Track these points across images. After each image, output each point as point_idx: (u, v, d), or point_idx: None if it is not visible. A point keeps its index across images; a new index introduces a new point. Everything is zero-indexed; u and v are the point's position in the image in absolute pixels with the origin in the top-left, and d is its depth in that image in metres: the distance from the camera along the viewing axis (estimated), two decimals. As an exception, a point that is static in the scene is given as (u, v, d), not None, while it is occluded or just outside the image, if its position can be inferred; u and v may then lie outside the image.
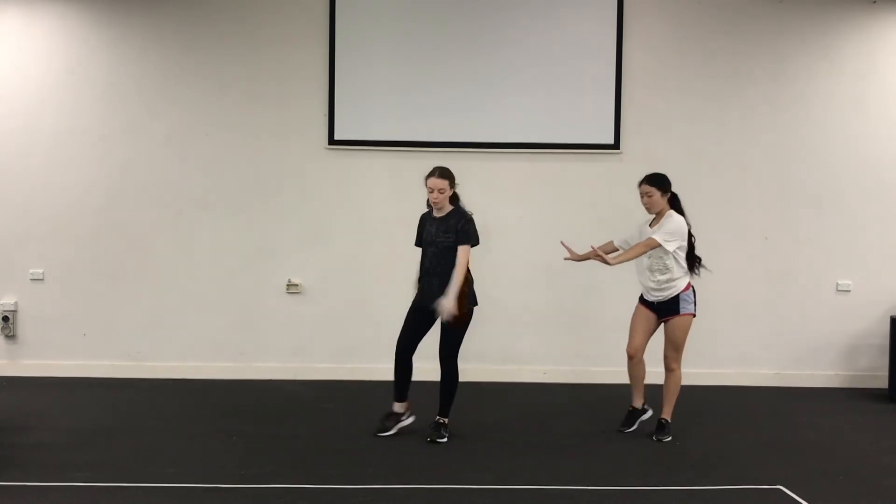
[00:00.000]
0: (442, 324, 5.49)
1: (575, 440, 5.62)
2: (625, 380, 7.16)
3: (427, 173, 5.51)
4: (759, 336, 7.35)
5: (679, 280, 5.57)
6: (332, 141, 7.25)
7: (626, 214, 7.20)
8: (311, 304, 7.32)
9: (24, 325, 7.28)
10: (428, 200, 5.60)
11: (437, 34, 7.22)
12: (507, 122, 7.24)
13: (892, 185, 7.39)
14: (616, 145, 7.30)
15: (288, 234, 7.29)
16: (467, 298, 5.44)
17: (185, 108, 7.24)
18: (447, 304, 5.33)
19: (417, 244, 5.69)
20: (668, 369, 5.66)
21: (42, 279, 7.24)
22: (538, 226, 7.33)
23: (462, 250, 5.41)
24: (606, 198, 7.32)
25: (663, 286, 5.57)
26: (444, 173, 5.46)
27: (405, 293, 7.24)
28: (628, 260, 5.56)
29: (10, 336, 7.25)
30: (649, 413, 5.87)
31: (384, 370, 7.24)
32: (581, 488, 4.65)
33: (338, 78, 7.18)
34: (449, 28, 7.22)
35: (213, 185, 7.26)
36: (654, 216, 5.69)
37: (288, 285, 7.30)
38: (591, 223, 7.33)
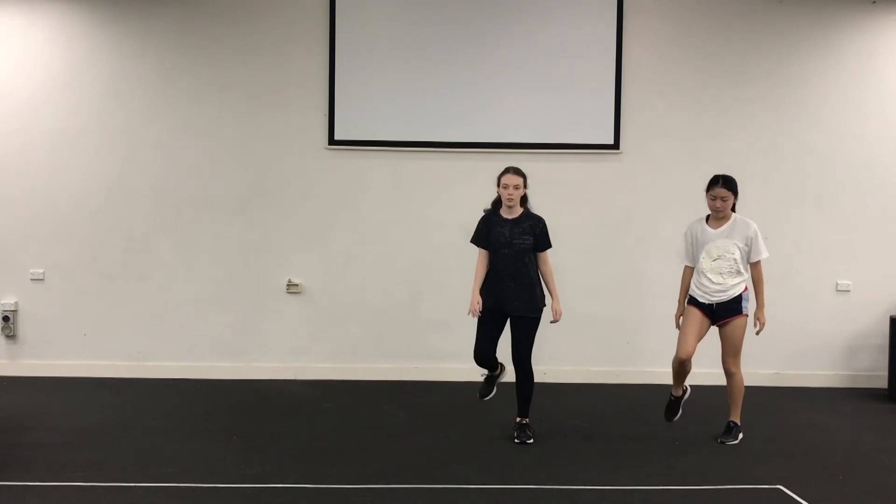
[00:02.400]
0: (520, 326, 5.45)
1: (575, 440, 5.62)
2: (624, 380, 7.22)
3: (501, 172, 5.48)
4: (759, 336, 7.33)
5: (743, 280, 5.52)
6: (332, 141, 7.25)
7: (627, 214, 7.23)
8: (311, 304, 7.32)
9: (24, 325, 7.28)
10: (498, 199, 5.51)
11: (436, 34, 7.22)
12: (507, 122, 7.24)
13: (891, 185, 7.39)
14: (616, 145, 7.30)
15: (288, 234, 7.29)
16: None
17: (185, 108, 7.24)
18: (558, 307, 5.50)
19: (478, 243, 5.54)
20: (729, 374, 5.56)
21: (42, 279, 7.24)
22: (538, 226, 7.32)
23: (548, 255, 5.53)
24: (606, 198, 7.32)
25: (728, 288, 5.47)
26: (518, 171, 5.45)
27: (405, 293, 7.28)
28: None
29: (11, 336, 7.25)
30: (689, 391, 5.79)
31: (384, 370, 7.27)
32: (581, 488, 4.64)
33: (338, 78, 7.18)
34: (449, 29, 7.22)
35: (213, 185, 7.26)
36: (708, 217, 5.60)
37: (288, 285, 7.30)
38: (591, 223, 7.34)
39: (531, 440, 5.49)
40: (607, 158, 7.33)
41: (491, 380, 5.71)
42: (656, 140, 7.31)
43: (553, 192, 7.32)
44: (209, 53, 7.22)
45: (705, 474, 4.94)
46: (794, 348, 7.40)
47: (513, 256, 5.40)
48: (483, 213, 5.60)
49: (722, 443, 5.54)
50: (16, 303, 7.25)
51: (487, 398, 5.72)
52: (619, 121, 7.27)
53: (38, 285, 7.25)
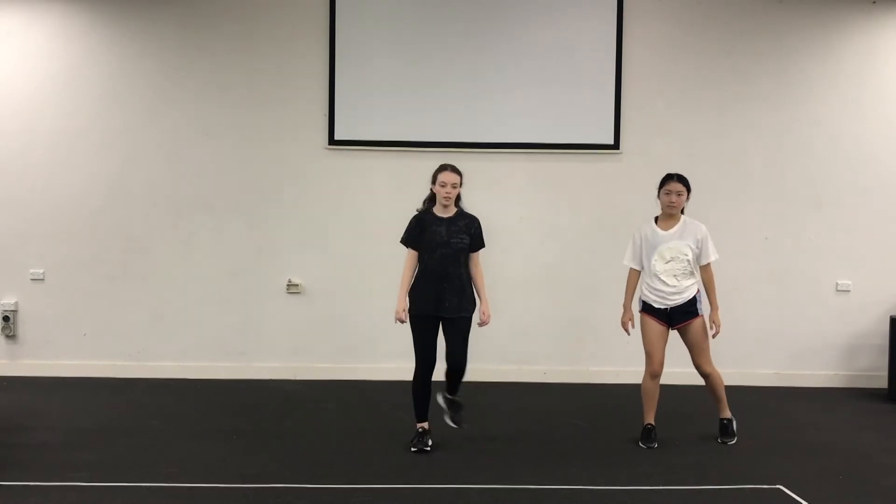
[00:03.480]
0: (457, 327, 5.28)
1: (574, 440, 5.62)
2: (624, 380, 7.19)
3: (437, 169, 5.33)
4: (759, 336, 7.35)
5: (696, 281, 5.51)
6: (332, 141, 7.25)
7: (626, 214, 7.22)
8: (311, 304, 7.32)
9: (24, 325, 7.28)
10: (431, 198, 5.37)
11: (437, 35, 7.22)
12: (507, 122, 7.24)
13: (891, 185, 7.39)
14: (616, 145, 7.30)
15: (288, 234, 7.29)
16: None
17: (185, 108, 7.25)
18: (487, 309, 5.36)
19: (408, 243, 5.34)
20: (705, 374, 5.52)
21: (42, 279, 7.25)
22: (538, 226, 7.34)
23: (480, 256, 5.38)
24: (606, 198, 7.33)
25: (683, 290, 5.45)
26: (456, 169, 5.30)
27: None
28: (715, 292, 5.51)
29: (10, 336, 7.25)
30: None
31: (384, 370, 7.26)
32: (581, 488, 4.65)
33: (338, 78, 7.19)
34: (449, 29, 7.22)
35: (213, 185, 7.26)
36: (656, 219, 5.59)
37: (288, 285, 7.30)
38: (590, 223, 7.35)
39: (465, 425, 5.45)
40: (607, 158, 7.34)
41: (427, 434, 5.35)
42: (656, 140, 7.31)
43: (553, 192, 7.34)
44: (209, 53, 7.23)
45: (705, 474, 4.94)
46: (794, 348, 7.40)
47: (450, 256, 5.23)
48: (416, 213, 5.42)
49: (723, 443, 5.55)
50: (16, 303, 7.25)
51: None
52: (619, 121, 7.28)
53: (38, 285, 7.25)
